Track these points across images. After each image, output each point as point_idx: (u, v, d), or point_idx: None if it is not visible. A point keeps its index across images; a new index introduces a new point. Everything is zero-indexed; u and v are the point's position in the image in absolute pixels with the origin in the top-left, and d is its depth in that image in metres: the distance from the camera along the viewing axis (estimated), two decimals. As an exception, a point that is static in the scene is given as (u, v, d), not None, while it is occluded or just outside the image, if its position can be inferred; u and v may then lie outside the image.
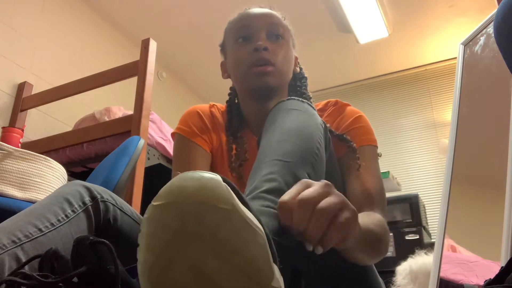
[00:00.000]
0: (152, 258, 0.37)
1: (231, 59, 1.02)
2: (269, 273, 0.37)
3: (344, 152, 0.92)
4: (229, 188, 0.38)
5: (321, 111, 1.02)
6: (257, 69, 0.93)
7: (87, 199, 0.68)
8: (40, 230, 0.60)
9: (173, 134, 1.03)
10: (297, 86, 1.07)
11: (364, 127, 0.96)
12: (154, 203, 0.37)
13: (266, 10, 1.01)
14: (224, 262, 0.36)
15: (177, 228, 0.36)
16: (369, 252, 0.73)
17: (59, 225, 0.62)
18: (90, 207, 0.68)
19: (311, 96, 1.06)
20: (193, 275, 0.36)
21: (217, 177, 0.38)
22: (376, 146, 0.96)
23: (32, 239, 0.58)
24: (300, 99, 0.82)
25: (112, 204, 0.72)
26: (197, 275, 0.36)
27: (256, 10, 1.01)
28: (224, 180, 0.38)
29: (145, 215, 0.38)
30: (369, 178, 0.89)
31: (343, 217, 0.51)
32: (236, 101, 1.07)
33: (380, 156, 0.97)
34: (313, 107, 0.81)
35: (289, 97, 0.83)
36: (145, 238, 0.37)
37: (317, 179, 0.68)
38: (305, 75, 1.09)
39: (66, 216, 0.64)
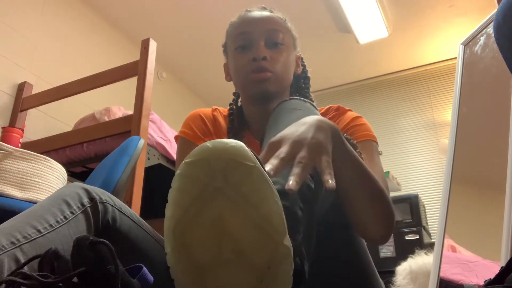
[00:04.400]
0: (179, 212, 0.39)
1: (231, 66, 1.02)
2: (283, 230, 0.40)
3: None
4: (251, 150, 0.41)
5: (323, 115, 1.02)
6: (255, 76, 0.94)
7: (85, 200, 0.68)
8: (39, 231, 0.60)
9: (176, 137, 1.03)
10: (300, 87, 1.07)
11: (363, 125, 0.97)
12: (186, 160, 0.40)
13: (265, 14, 1.00)
14: (244, 216, 0.39)
15: (205, 184, 0.39)
16: (363, 188, 0.73)
17: (58, 226, 0.62)
18: (88, 208, 0.68)
19: (313, 99, 1.06)
20: (215, 229, 0.39)
21: (239, 142, 0.42)
22: (376, 142, 0.96)
23: (31, 240, 0.58)
24: (302, 98, 0.82)
25: (111, 205, 0.72)
26: (218, 230, 0.39)
27: (256, 14, 1.00)
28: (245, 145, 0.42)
29: (177, 171, 0.41)
30: (372, 169, 0.89)
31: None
32: (239, 103, 1.07)
33: (381, 154, 0.97)
34: (315, 107, 0.81)
35: (291, 97, 0.83)
36: (174, 193, 0.40)
37: (319, 179, 0.67)
38: (308, 75, 1.09)
39: (65, 217, 0.64)
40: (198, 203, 0.39)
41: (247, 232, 0.39)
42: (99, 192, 0.71)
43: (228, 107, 1.08)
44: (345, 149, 0.69)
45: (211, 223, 0.39)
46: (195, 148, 0.41)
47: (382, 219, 0.77)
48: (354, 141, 0.92)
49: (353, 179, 0.72)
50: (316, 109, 0.81)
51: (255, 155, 0.43)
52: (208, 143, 0.41)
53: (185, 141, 1.00)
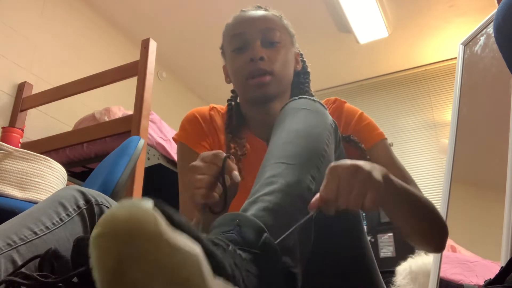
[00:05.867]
0: (105, 278, 0.38)
1: (229, 68, 1.01)
2: None
3: (355, 156, 0.92)
4: (156, 216, 0.39)
5: None
6: (254, 81, 0.93)
7: (81, 202, 0.69)
8: (35, 233, 0.61)
9: (174, 140, 1.03)
10: (300, 82, 1.06)
11: (370, 123, 0.97)
12: (94, 231, 0.39)
13: (260, 14, 0.99)
14: (164, 282, 0.38)
15: (116, 256, 0.38)
16: (416, 215, 0.76)
17: (54, 228, 0.63)
18: (84, 210, 0.69)
19: (313, 93, 1.06)
20: None
21: (147, 205, 0.39)
22: (386, 138, 0.97)
23: (27, 242, 0.59)
24: (312, 98, 0.81)
25: (106, 207, 0.72)
26: None
27: (251, 13, 0.99)
28: (157, 205, 0.40)
29: (90, 243, 0.39)
30: (399, 168, 0.92)
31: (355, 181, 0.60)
32: (238, 100, 1.07)
33: (392, 145, 0.98)
34: (324, 106, 0.80)
35: (300, 96, 0.82)
36: (94, 261, 0.39)
37: (322, 181, 0.68)
38: (308, 70, 1.08)
39: (61, 219, 0.65)
40: (116, 274, 0.38)
41: None
42: (95, 194, 0.72)
43: (226, 104, 1.07)
44: (396, 188, 0.70)
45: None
46: (104, 215, 0.40)
47: (437, 233, 0.81)
48: (362, 145, 0.92)
49: (407, 214, 0.74)
50: (326, 109, 0.80)
51: (166, 213, 0.40)
52: (111, 209, 0.39)
53: (183, 147, 0.99)
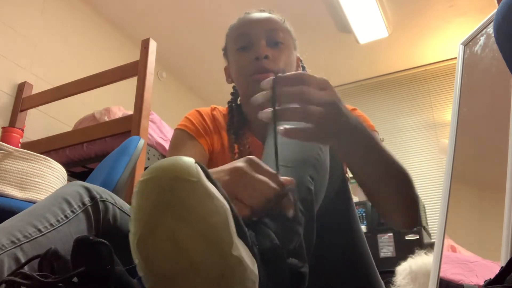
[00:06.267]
0: (139, 228, 0.42)
1: (233, 67, 1.03)
2: (229, 241, 0.42)
3: None
4: (198, 166, 0.44)
5: None
6: (258, 76, 0.94)
7: (86, 199, 0.69)
8: (39, 230, 0.60)
9: (175, 130, 1.03)
10: None
11: (362, 116, 0.98)
12: (140, 178, 0.43)
13: (265, 15, 1.01)
14: (193, 229, 0.41)
15: (155, 200, 0.42)
16: (378, 166, 0.76)
17: (59, 225, 0.63)
18: (89, 207, 0.68)
19: None
20: (171, 243, 0.42)
21: (190, 158, 0.44)
22: (377, 132, 0.98)
23: (32, 240, 0.58)
24: None
25: (111, 203, 0.72)
26: (172, 243, 0.41)
27: (255, 15, 1.02)
28: (196, 162, 0.45)
29: (134, 189, 0.44)
30: None
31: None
32: (239, 101, 1.07)
33: (383, 140, 0.98)
34: None
35: None
36: (133, 210, 0.43)
37: (320, 181, 0.68)
38: None
39: (66, 216, 0.64)
40: (153, 218, 0.42)
41: (197, 243, 0.41)
42: (100, 191, 0.72)
43: (227, 105, 1.08)
44: (366, 133, 0.70)
45: (166, 237, 0.42)
46: (150, 166, 0.44)
47: (406, 204, 0.79)
48: None
49: (368, 157, 0.74)
50: None
51: (204, 169, 0.45)
52: (161, 161, 0.44)
53: (184, 134, 1.00)
